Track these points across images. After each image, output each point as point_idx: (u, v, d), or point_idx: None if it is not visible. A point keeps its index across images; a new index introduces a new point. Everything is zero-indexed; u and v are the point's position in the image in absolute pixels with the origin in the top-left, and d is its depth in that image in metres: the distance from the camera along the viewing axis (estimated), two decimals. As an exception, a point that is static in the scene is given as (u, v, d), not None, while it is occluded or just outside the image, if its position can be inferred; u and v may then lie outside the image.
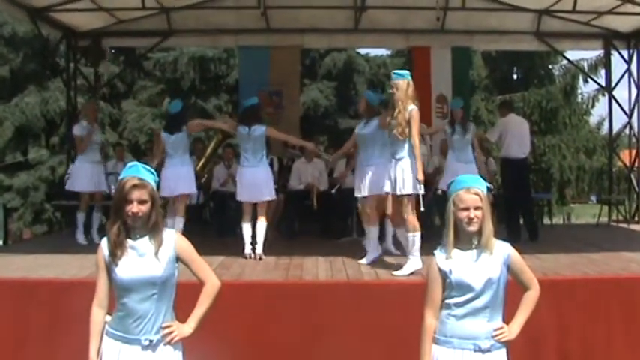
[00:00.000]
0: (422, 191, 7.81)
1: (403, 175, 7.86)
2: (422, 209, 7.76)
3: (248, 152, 9.45)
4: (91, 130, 10.80)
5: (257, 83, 13.98)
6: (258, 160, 9.34)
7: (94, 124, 11.08)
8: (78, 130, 10.94)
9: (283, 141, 11.68)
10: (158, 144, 9.89)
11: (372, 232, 8.88)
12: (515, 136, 11.03)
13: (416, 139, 7.82)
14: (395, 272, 7.93)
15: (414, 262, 7.86)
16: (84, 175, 10.68)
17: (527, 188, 11.61)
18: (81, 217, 10.86)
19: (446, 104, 14.20)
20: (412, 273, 7.81)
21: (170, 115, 10.08)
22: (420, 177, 7.76)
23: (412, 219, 7.90)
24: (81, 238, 10.70)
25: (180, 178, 9.49)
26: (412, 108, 7.84)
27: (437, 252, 4.01)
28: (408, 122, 7.83)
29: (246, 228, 9.40)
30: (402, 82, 7.94)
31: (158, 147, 9.85)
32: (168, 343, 3.94)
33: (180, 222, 9.39)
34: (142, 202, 3.88)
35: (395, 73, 8.15)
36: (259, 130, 9.26)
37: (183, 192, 9.55)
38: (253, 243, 9.24)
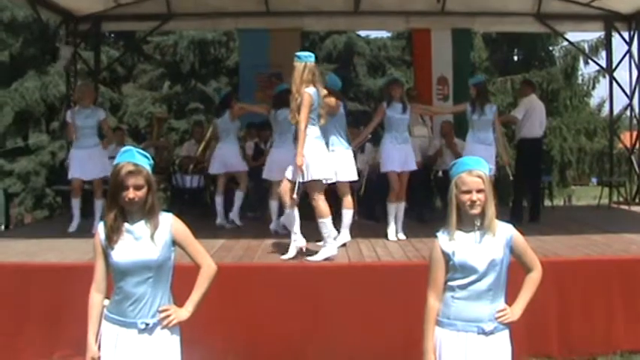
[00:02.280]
0: (300, 179, 7.62)
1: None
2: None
3: (275, 134, 9.82)
4: (72, 116, 10.10)
5: (257, 66, 13.96)
6: (282, 142, 9.33)
7: (90, 106, 10.31)
8: (69, 116, 10.32)
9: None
10: (214, 129, 11.11)
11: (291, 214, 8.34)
12: (538, 115, 11.04)
13: (301, 123, 7.59)
14: (309, 257, 7.85)
15: (328, 248, 7.81)
16: (75, 164, 10.08)
17: (540, 168, 11.54)
18: (74, 203, 10.26)
19: (447, 86, 14.19)
20: (326, 259, 7.77)
21: (219, 101, 11.17)
22: (299, 162, 7.56)
23: (317, 204, 7.80)
24: (72, 226, 10.12)
25: (232, 157, 10.55)
26: (305, 92, 7.61)
27: (439, 234, 3.99)
28: (299, 107, 7.63)
29: (274, 205, 9.77)
30: (299, 65, 7.72)
31: (214, 132, 11.12)
32: (165, 326, 3.94)
33: (240, 196, 10.63)
34: (137, 187, 3.86)
35: (295, 55, 7.91)
36: (283, 113, 9.21)
37: (238, 169, 10.59)
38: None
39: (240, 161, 10.77)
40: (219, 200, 10.73)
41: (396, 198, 9.33)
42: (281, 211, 9.03)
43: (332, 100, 8.56)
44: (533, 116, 10.92)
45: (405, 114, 9.29)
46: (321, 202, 7.81)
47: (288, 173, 7.85)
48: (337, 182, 8.69)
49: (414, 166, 9.37)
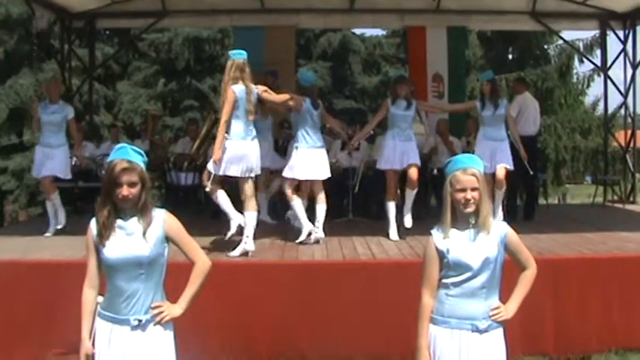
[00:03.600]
0: (213, 171, 7.92)
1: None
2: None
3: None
4: (37, 110, 9.73)
5: (252, 63, 13.66)
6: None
7: (58, 102, 9.82)
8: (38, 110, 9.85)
9: (279, 121, 11.72)
10: None
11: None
12: (532, 113, 11.07)
13: (222, 119, 7.87)
14: (228, 253, 7.94)
15: (247, 244, 7.95)
16: (38, 162, 9.70)
17: (534, 166, 11.52)
18: (48, 205, 9.86)
19: (442, 83, 14.21)
20: (243, 254, 7.88)
21: None
22: (215, 156, 7.87)
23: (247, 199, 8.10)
24: (49, 227, 9.68)
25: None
26: (229, 89, 7.88)
27: (434, 231, 4.00)
28: (223, 103, 7.90)
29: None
30: (229, 62, 8.05)
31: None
32: (158, 323, 3.94)
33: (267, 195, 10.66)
34: (131, 184, 3.86)
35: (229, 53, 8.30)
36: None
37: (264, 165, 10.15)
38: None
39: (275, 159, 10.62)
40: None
41: (392, 196, 9.31)
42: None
43: (277, 97, 8.60)
44: (526, 114, 10.95)
45: (409, 110, 9.21)
46: (248, 198, 8.12)
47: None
48: (303, 181, 9.00)
49: (416, 160, 9.17)
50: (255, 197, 8.26)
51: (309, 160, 8.83)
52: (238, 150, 7.93)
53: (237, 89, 7.90)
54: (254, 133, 8.10)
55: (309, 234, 8.74)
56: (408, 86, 9.39)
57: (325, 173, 8.99)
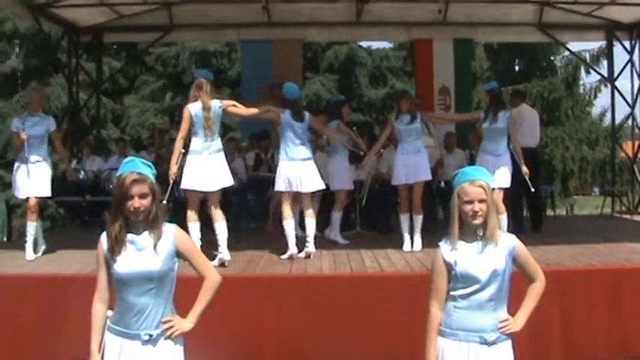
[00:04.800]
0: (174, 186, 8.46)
1: None
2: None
3: (330, 144, 10.33)
4: (20, 127, 8.93)
5: (259, 77, 13.99)
6: (335, 151, 10.08)
7: (39, 113, 9.22)
8: (15, 124, 9.15)
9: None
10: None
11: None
12: (528, 125, 11.02)
13: (178, 135, 8.49)
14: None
15: (222, 254, 8.19)
16: (18, 180, 9.01)
17: (536, 179, 11.49)
18: (29, 226, 8.98)
19: (448, 96, 14.21)
20: (221, 265, 8.02)
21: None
22: (170, 172, 8.22)
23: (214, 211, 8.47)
24: (29, 253, 8.86)
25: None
26: (185, 108, 8.43)
27: (442, 244, 3.99)
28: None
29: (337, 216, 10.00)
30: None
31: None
32: (169, 337, 3.93)
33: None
34: (142, 196, 3.86)
35: None
36: (334, 124, 10.07)
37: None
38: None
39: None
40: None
41: (406, 209, 9.31)
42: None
43: (245, 110, 8.93)
44: (523, 127, 10.93)
45: (414, 124, 9.20)
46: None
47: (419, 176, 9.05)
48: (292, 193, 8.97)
49: (427, 176, 9.24)
50: (220, 207, 8.50)
51: (290, 173, 8.81)
52: (197, 165, 8.29)
53: (193, 107, 8.30)
54: (215, 147, 8.39)
55: (291, 257, 8.68)
56: (409, 100, 9.35)
57: (311, 186, 8.92)
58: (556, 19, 13.99)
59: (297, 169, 8.81)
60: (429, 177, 9.28)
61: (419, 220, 9.26)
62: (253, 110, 8.92)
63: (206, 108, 8.27)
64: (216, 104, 8.37)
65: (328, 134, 10.12)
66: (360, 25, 14.28)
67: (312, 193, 9.12)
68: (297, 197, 9.13)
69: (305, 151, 8.91)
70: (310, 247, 8.83)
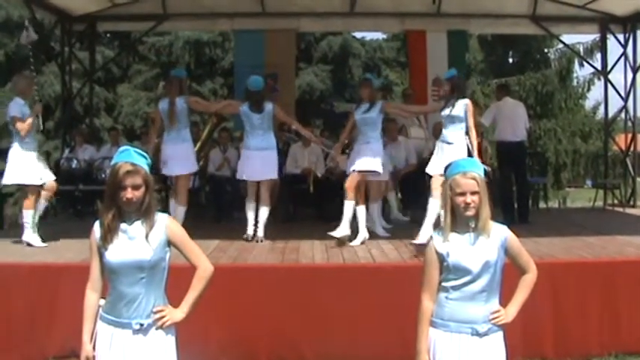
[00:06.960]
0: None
1: None
2: None
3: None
4: (26, 113, 9.23)
5: (252, 67, 13.91)
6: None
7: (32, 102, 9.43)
8: (16, 109, 9.23)
9: (279, 124, 11.67)
10: None
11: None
12: (509, 119, 11.03)
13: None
14: None
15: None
16: (31, 165, 9.08)
17: (522, 172, 11.52)
18: (27, 214, 8.96)
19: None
20: None
21: None
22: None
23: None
24: (33, 239, 8.89)
25: None
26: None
27: (434, 235, 3.99)
28: None
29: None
30: None
31: None
32: (160, 327, 3.93)
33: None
34: (135, 187, 3.85)
35: None
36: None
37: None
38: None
39: None
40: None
41: (352, 197, 8.97)
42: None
43: (208, 105, 10.78)
44: (501, 121, 10.98)
45: (370, 113, 9.02)
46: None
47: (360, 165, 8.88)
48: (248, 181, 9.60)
49: (375, 168, 8.97)
50: (186, 193, 9.58)
51: (248, 161, 9.42)
52: (167, 152, 9.45)
53: (160, 104, 9.58)
54: (182, 137, 9.50)
55: (247, 238, 9.35)
56: (368, 88, 9.18)
57: (266, 175, 9.43)
58: (550, 12, 13.99)
59: (255, 159, 9.35)
60: (370, 168, 8.92)
61: (375, 208, 9.86)
62: (215, 105, 10.12)
63: (172, 103, 9.34)
64: (180, 100, 9.40)
65: (296, 126, 10.36)
66: (353, 15, 14.26)
67: (269, 182, 9.57)
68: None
69: (264, 142, 9.41)
70: (260, 232, 9.33)
